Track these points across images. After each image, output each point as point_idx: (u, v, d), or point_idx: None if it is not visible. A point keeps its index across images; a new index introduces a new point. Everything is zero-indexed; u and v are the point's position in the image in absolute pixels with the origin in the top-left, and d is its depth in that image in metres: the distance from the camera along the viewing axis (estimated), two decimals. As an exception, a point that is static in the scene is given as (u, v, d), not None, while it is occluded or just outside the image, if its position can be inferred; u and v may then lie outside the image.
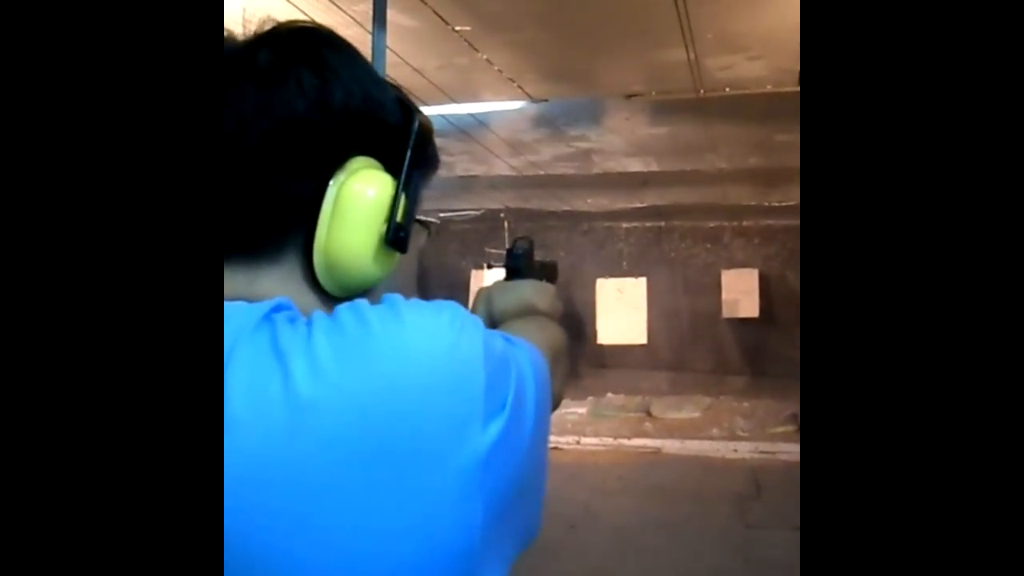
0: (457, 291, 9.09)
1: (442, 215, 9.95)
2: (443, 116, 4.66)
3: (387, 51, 2.69)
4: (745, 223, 10.07)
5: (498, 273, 1.00)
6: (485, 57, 3.80)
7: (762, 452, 7.00)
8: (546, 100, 4.59)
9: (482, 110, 4.76)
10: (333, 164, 0.62)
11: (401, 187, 0.65)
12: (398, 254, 0.66)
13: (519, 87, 4.28)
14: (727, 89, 4.25)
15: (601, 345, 10.23)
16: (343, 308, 0.56)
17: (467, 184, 7.44)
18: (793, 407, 7.67)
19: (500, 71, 4.01)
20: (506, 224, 9.78)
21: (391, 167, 0.65)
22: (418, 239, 0.73)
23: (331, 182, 0.62)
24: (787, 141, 5.25)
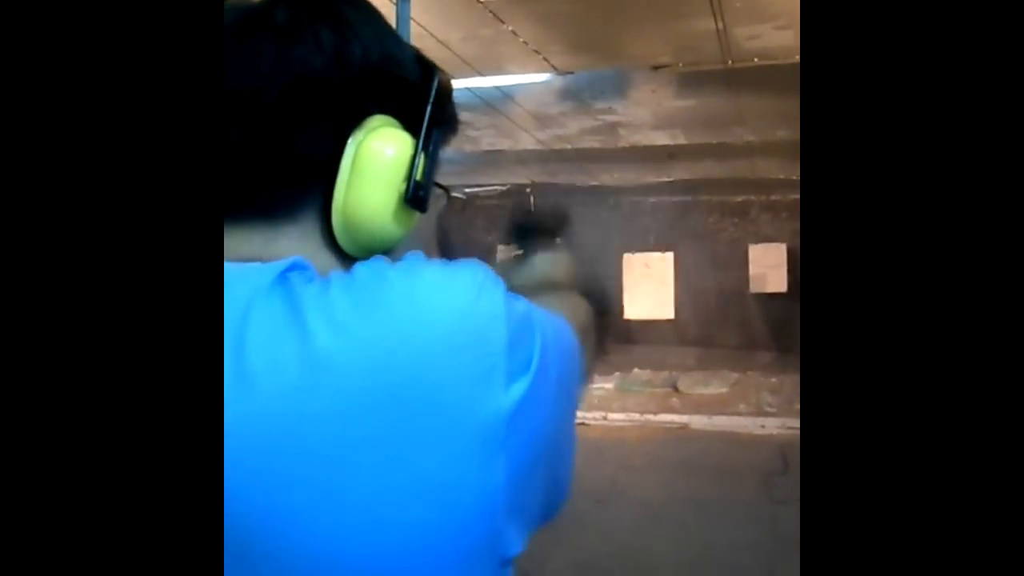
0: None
1: (468, 190, 9.94)
2: (469, 89, 4.64)
3: (412, 22, 2.67)
4: (773, 197, 9.97)
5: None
6: (510, 28, 3.76)
7: (789, 428, 6.96)
8: (572, 72, 4.54)
9: (508, 83, 4.73)
10: (352, 122, 0.61)
11: (420, 145, 0.63)
12: (417, 214, 0.65)
13: (544, 59, 4.24)
14: (755, 59, 4.19)
15: (628, 320, 10.21)
16: (361, 265, 0.55)
17: (493, 159, 7.41)
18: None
19: (525, 43, 3.97)
20: (532, 199, 9.75)
21: (410, 126, 0.64)
22: (436, 204, 0.71)
23: (350, 140, 0.60)
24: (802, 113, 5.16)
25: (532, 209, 1.14)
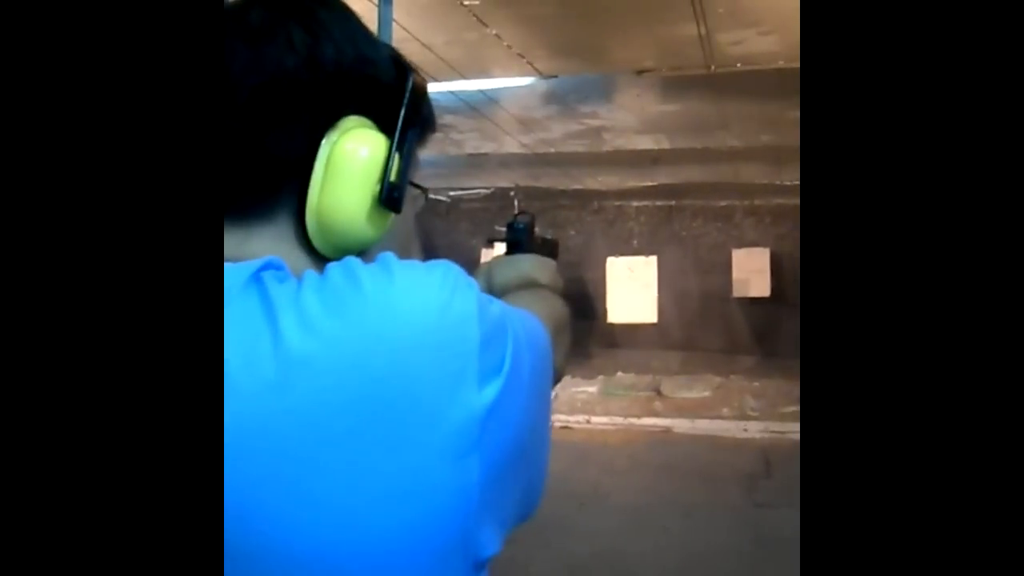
0: (467, 270, 9.06)
1: (452, 193, 9.92)
2: (452, 92, 4.62)
3: (395, 26, 2.66)
4: (757, 202, 10.00)
5: (501, 249, 1.00)
6: (494, 32, 3.76)
7: (772, 432, 6.98)
8: (556, 76, 4.54)
9: (492, 86, 4.72)
10: (325, 123, 0.61)
11: (395, 146, 0.63)
12: (392, 215, 0.65)
13: (528, 63, 4.24)
14: (739, 65, 4.20)
15: (611, 324, 10.22)
16: (333, 266, 0.55)
17: (477, 162, 7.40)
18: (804, 386, 7.63)
19: (509, 46, 3.97)
20: (516, 203, 9.74)
21: (385, 127, 0.64)
22: (415, 205, 0.72)
23: (323, 141, 0.61)
24: (799, 118, 5.18)
25: (524, 228, 1.14)
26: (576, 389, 8.56)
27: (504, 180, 8.87)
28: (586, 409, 7.85)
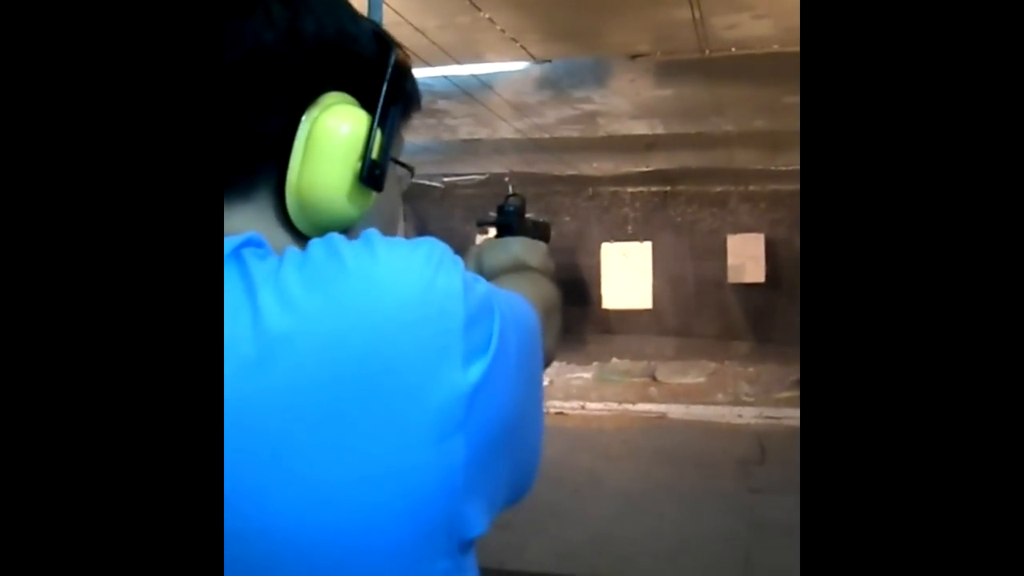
0: (459, 255, 9.04)
1: (446, 180, 9.90)
2: (446, 77, 4.60)
3: (387, 9, 2.64)
4: (752, 187, 10.00)
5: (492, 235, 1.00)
6: (487, 16, 3.73)
7: (767, 417, 7.02)
8: (549, 61, 4.52)
9: (485, 71, 4.70)
10: (305, 99, 0.60)
11: (376, 123, 0.62)
12: (374, 193, 0.64)
13: (522, 47, 4.22)
14: (733, 49, 4.18)
15: (606, 310, 10.25)
16: (315, 241, 0.54)
17: (471, 148, 7.38)
18: (798, 373, 7.67)
19: (502, 31, 3.94)
20: (511, 189, 9.72)
21: (367, 103, 0.63)
22: (400, 183, 0.71)
23: (303, 118, 0.60)
24: (794, 103, 5.15)
25: (514, 211, 1.13)
26: (571, 375, 8.58)
27: (498, 166, 8.85)
28: (581, 395, 7.87)
